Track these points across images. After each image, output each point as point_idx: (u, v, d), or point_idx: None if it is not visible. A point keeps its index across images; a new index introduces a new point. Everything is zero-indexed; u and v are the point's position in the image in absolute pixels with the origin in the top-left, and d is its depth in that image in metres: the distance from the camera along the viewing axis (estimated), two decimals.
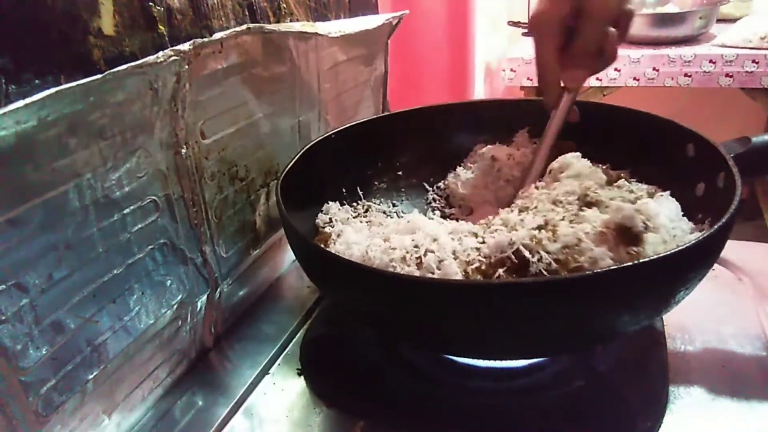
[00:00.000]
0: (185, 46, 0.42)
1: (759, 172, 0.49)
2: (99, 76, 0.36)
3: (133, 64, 0.38)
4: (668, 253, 0.36)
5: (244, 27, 0.48)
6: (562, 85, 0.54)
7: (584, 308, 0.37)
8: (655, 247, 0.42)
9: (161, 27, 0.46)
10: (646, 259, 0.37)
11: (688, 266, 0.38)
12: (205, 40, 0.44)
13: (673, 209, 0.47)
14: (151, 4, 0.45)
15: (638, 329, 0.43)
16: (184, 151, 0.46)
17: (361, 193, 0.64)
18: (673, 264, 0.36)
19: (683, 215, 0.48)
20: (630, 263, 0.36)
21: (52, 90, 0.33)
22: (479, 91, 1.70)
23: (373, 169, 0.65)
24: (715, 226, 0.38)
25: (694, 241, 0.37)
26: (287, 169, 0.53)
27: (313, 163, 0.57)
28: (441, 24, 1.35)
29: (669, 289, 0.39)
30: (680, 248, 0.36)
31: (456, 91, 1.47)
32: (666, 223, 0.44)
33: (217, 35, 0.46)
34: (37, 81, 0.36)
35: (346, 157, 0.62)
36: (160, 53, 0.41)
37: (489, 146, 0.65)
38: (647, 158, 0.56)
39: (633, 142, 0.57)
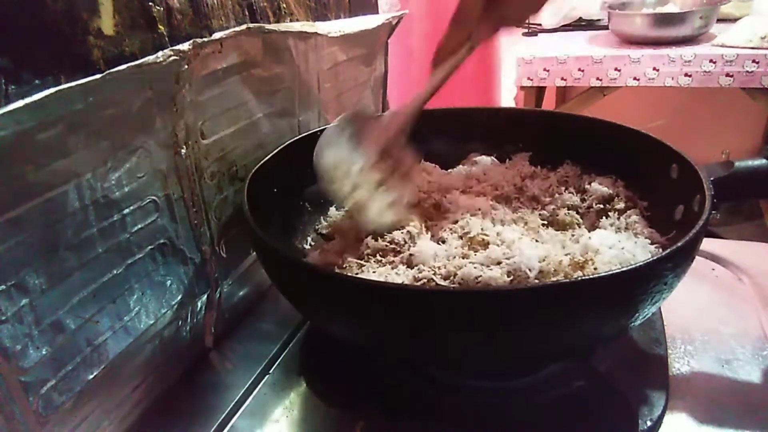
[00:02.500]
0: (185, 46, 0.42)
1: (740, 196, 0.48)
2: (99, 76, 0.36)
3: (132, 64, 0.38)
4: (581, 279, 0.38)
5: (244, 27, 0.48)
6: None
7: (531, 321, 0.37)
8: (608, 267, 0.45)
9: (161, 27, 0.46)
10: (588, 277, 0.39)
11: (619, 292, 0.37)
12: (205, 40, 0.44)
13: (610, 238, 0.48)
14: (151, 4, 0.45)
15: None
16: (184, 151, 0.46)
17: None
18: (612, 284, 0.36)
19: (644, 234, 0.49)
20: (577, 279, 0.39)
21: (52, 90, 0.33)
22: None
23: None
24: (662, 253, 0.37)
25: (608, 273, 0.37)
26: (262, 163, 0.53)
27: (291, 162, 0.56)
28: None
29: (609, 311, 0.39)
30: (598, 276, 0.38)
31: (464, 93, 1.46)
32: (604, 251, 0.46)
33: (217, 35, 0.46)
34: (37, 81, 0.36)
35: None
36: (160, 53, 0.41)
37: (483, 157, 0.65)
38: (635, 176, 0.56)
39: (623, 160, 0.58)
